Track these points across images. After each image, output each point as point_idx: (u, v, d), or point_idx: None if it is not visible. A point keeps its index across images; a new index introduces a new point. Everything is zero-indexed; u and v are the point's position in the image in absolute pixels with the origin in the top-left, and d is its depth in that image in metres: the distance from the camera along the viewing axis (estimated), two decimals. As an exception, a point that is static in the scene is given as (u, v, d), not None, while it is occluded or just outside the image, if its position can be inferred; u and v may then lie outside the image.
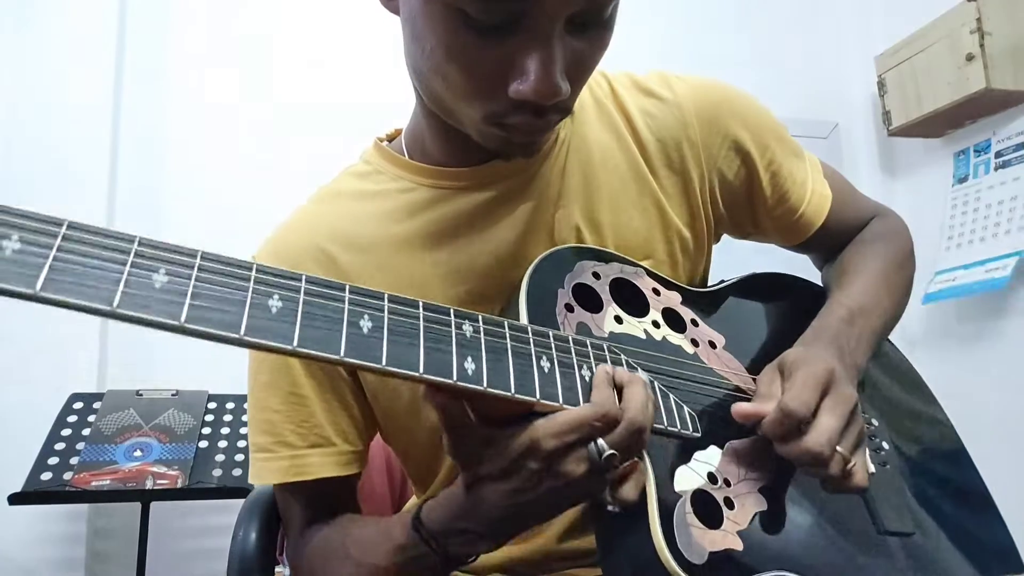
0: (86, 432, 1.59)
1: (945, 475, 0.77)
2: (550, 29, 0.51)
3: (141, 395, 1.68)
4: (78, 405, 1.65)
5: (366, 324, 0.45)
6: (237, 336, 0.40)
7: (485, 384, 0.47)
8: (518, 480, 0.49)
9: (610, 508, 0.53)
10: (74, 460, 1.52)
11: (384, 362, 0.44)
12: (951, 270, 2.21)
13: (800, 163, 0.80)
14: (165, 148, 2.05)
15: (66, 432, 1.58)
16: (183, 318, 0.39)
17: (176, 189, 2.03)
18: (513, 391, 0.48)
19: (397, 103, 0.84)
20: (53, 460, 1.52)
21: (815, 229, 0.80)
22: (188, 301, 0.39)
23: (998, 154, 2.15)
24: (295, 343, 0.42)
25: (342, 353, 0.43)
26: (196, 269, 0.41)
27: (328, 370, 0.67)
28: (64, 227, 0.38)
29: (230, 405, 1.73)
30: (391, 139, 0.76)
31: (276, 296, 0.42)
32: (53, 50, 1.93)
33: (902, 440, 0.75)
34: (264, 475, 0.67)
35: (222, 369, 1.57)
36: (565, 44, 0.52)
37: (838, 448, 0.56)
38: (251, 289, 0.42)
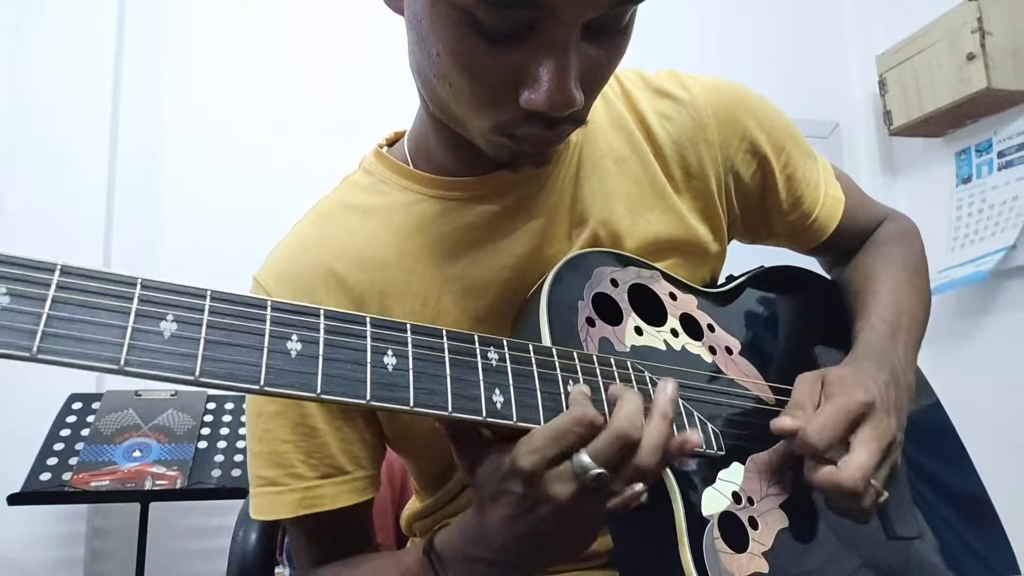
0: (85, 432, 1.58)
1: (947, 477, 0.77)
2: (565, 37, 0.48)
3: (140, 395, 1.68)
4: (77, 405, 1.64)
5: (390, 361, 0.43)
6: (257, 387, 0.38)
7: (515, 418, 0.46)
8: (509, 505, 0.47)
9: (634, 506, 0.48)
10: (73, 460, 1.52)
11: (412, 404, 0.42)
12: (949, 269, 2.23)
13: (813, 165, 0.78)
14: (165, 149, 2.05)
15: (65, 432, 1.58)
16: (197, 372, 0.36)
17: (176, 189, 2.03)
18: (543, 423, 0.47)
19: (398, 113, 0.83)
20: (52, 460, 1.51)
21: (828, 234, 0.79)
22: (201, 352, 0.37)
23: (1000, 154, 2.15)
24: (319, 390, 0.40)
25: (368, 397, 0.41)
26: (207, 312, 0.38)
27: None
28: (57, 272, 0.35)
29: (229, 406, 1.72)
30: (391, 143, 0.73)
31: (295, 337, 0.40)
32: (53, 51, 1.92)
33: (909, 441, 0.75)
34: (273, 509, 0.63)
35: (221, 369, 1.57)
36: (581, 52, 0.49)
37: (872, 482, 0.55)
38: (268, 331, 0.39)
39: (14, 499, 1.43)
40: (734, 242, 0.80)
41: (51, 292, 0.34)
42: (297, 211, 0.73)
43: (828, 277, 0.86)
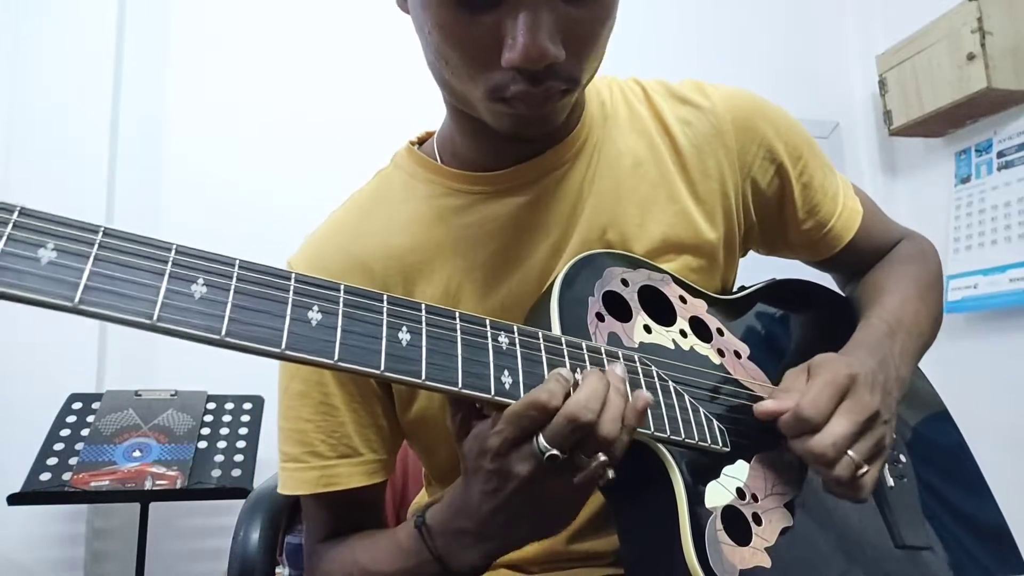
0: (85, 432, 1.58)
1: (958, 487, 0.77)
2: None
3: (140, 395, 1.68)
4: (77, 405, 1.64)
5: (404, 336, 0.45)
6: (278, 351, 0.40)
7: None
8: (484, 479, 0.50)
9: (603, 482, 0.49)
10: (73, 460, 1.52)
11: (423, 377, 0.44)
12: (967, 275, 2.19)
13: (832, 177, 0.79)
14: (165, 150, 2.04)
15: (65, 432, 1.58)
16: (223, 332, 0.38)
17: (176, 191, 2.02)
18: None
19: (399, 102, 0.83)
20: (52, 460, 1.51)
21: (843, 244, 0.80)
22: (228, 314, 0.39)
23: (1000, 154, 2.15)
24: (336, 358, 0.41)
25: (382, 368, 0.43)
26: (235, 279, 0.40)
27: (359, 382, 0.67)
28: (100, 234, 0.37)
29: (229, 405, 1.73)
30: (422, 142, 0.76)
31: (316, 307, 0.42)
32: (53, 50, 1.92)
33: (918, 452, 0.75)
34: (295, 485, 0.67)
35: (221, 369, 1.57)
36: (556, 8, 0.52)
37: (849, 452, 0.56)
38: (291, 300, 0.42)
39: (14, 499, 1.43)
40: (747, 255, 0.81)
41: (94, 250, 0.37)
42: (299, 205, 0.74)
43: (837, 292, 0.86)
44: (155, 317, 0.37)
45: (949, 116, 2.20)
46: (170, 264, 0.38)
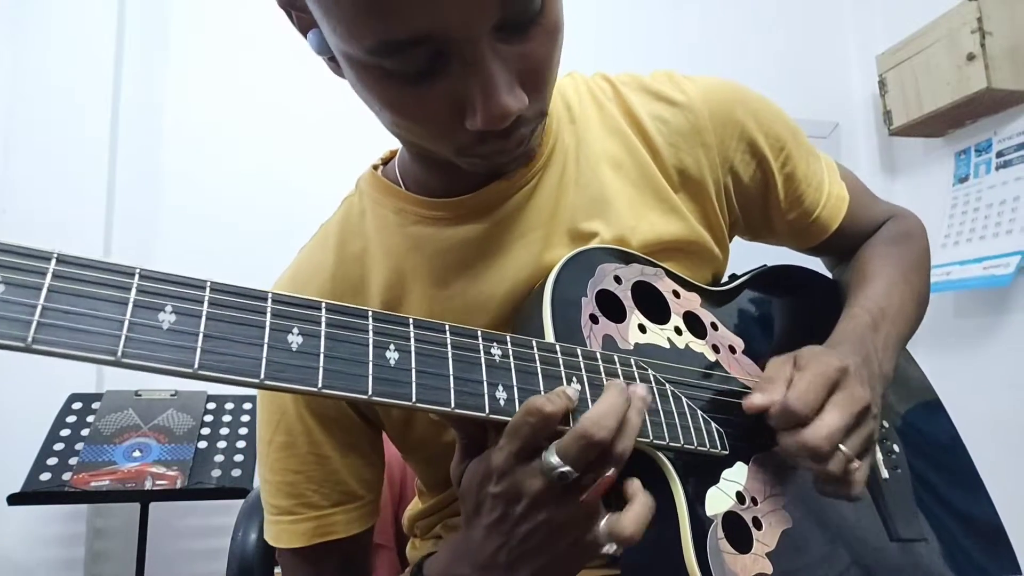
0: (85, 432, 1.58)
1: (950, 478, 0.77)
2: (475, 52, 0.47)
3: (140, 395, 1.68)
4: (77, 405, 1.64)
5: (392, 356, 0.43)
6: (257, 381, 0.37)
7: None
8: (488, 511, 0.47)
9: (606, 551, 0.47)
10: (73, 460, 1.52)
11: (414, 399, 0.42)
12: (945, 265, 2.21)
13: (816, 164, 0.78)
14: (164, 151, 2.04)
15: (65, 432, 1.58)
16: (196, 365, 0.36)
17: (176, 190, 2.02)
18: None
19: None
20: (52, 460, 1.52)
21: (829, 233, 0.79)
22: (200, 345, 0.36)
23: (999, 154, 2.15)
24: (319, 385, 0.39)
25: (369, 392, 0.40)
26: (206, 304, 0.37)
27: (347, 424, 0.65)
28: (53, 262, 0.34)
29: (229, 406, 1.73)
30: (386, 162, 0.73)
31: (296, 330, 0.40)
32: (53, 50, 1.91)
33: (911, 441, 0.75)
34: (289, 539, 0.65)
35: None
36: (503, 57, 0.48)
37: (841, 447, 0.54)
38: (268, 324, 0.39)
39: (14, 499, 1.44)
40: (736, 241, 0.80)
41: (47, 281, 0.34)
42: (298, 215, 0.73)
43: (829, 277, 0.86)
44: (119, 353, 0.34)
45: (949, 116, 2.19)
46: (134, 291, 0.36)
